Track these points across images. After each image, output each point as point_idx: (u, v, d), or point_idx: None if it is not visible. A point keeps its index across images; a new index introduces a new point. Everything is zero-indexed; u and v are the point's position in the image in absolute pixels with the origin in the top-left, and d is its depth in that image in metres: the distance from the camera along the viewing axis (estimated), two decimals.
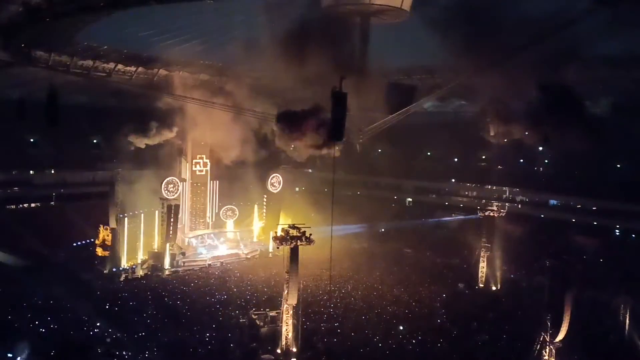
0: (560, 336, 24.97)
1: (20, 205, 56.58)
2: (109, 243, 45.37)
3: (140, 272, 44.37)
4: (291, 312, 28.00)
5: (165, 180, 47.66)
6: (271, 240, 34.38)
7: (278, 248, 28.20)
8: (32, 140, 60.42)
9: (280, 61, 36.46)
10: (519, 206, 54.68)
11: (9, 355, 24.48)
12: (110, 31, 35.93)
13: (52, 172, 57.63)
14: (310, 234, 27.37)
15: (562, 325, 24.70)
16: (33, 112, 39.60)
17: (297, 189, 63.07)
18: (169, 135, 48.94)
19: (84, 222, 51.01)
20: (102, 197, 49.41)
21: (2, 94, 54.10)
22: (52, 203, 55.74)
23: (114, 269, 43.74)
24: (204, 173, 53.29)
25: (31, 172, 58.30)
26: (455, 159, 60.92)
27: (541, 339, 25.71)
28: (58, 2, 24.28)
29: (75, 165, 56.76)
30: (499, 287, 40.68)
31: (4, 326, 28.79)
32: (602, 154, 52.32)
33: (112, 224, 45.67)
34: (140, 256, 45.99)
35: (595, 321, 32.46)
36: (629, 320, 31.17)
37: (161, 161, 51.48)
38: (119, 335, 30.23)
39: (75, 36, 37.26)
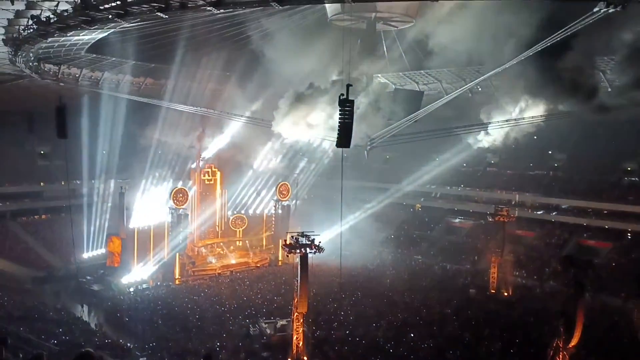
0: (574, 342, 24.65)
1: (32, 217, 57.17)
2: (118, 253, 45.65)
3: (150, 282, 44.48)
4: (301, 320, 27.89)
5: (175, 190, 47.85)
6: (281, 248, 34.36)
7: (287, 256, 28.16)
8: (42, 152, 61.07)
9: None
10: (530, 210, 54.25)
11: None
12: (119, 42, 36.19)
13: (62, 183, 57.96)
14: (320, 242, 27.31)
15: (576, 331, 24.39)
16: (42, 124, 40.16)
17: (305, 196, 63.14)
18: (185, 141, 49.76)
19: (94, 233, 51.59)
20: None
21: (12, 107, 54.84)
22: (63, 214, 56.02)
23: (124, 279, 43.88)
24: (212, 182, 53.46)
25: (41, 184, 58.95)
26: (464, 164, 60.60)
27: (554, 344, 25.39)
28: (68, 16, 24.46)
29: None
30: (510, 293, 40.30)
31: (16, 338, 28.91)
32: (614, 157, 52.17)
33: (122, 234, 45.94)
34: (150, 266, 46.08)
35: (609, 326, 32.09)
36: None
37: (171, 171, 51.88)
38: (129, 345, 30.35)
39: (84, 49, 37.59)
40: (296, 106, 34.96)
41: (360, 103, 34.52)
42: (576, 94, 29.31)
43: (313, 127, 34.69)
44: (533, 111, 34.62)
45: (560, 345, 24.97)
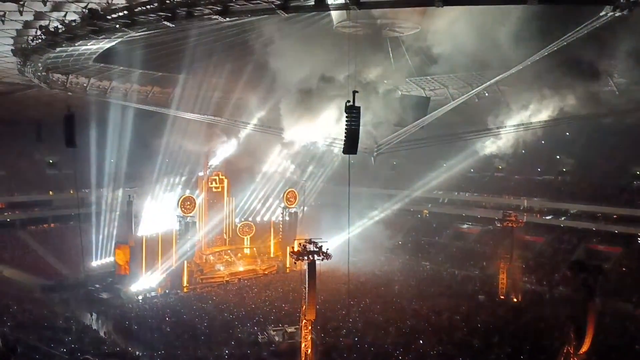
0: (585, 348, 24.42)
1: (41, 226, 57.52)
2: (127, 261, 45.76)
3: (158, 290, 44.53)
4: (310, 327, 27.80)
5: (182, 198, 47.97)
6: (288, 255, 34.30)
7: (295, 263, 28.12)
8: (50, 161, 61.56)
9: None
10: (538, 216, 53.97)
11: None
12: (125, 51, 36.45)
13: (71, 192, 58.38)
14: (327, 249, 27.25)
15: (586, 337, 24.16)
16: (51, 133, 40.46)
17: (312, 203, 63.16)
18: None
19: (103, 241, 51.89)
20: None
21: (20, 117, 55.30)
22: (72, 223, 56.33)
23: (132, 287, 43.96)
24: (220, 190, 53.61)
25: (50, 192, 59.37)
26: (472, 170, 60.43)
27: (565, 351, 25.16)
28: (75, 26, 24.70)
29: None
30: (519, 299, 40.01)
31: (25, 346, 29.00)
32: (622, 160, 51.84)
33: (130, 242, 46.08)
34: (158, 274, 46.16)
35: (620, 332, 31.77)
36: None
37: (179, 179, 52.12)
38: (138, 353, 30.36)
39: (92, 58, 37.90)
40: (304, 107, 34.98)
41: (369, 104, 34.56)
42: (580, 76, 29.20)
43: (322, 127, 34.65)
44: (540, 115, 34.49)
45: (571, 352, 24.75)
